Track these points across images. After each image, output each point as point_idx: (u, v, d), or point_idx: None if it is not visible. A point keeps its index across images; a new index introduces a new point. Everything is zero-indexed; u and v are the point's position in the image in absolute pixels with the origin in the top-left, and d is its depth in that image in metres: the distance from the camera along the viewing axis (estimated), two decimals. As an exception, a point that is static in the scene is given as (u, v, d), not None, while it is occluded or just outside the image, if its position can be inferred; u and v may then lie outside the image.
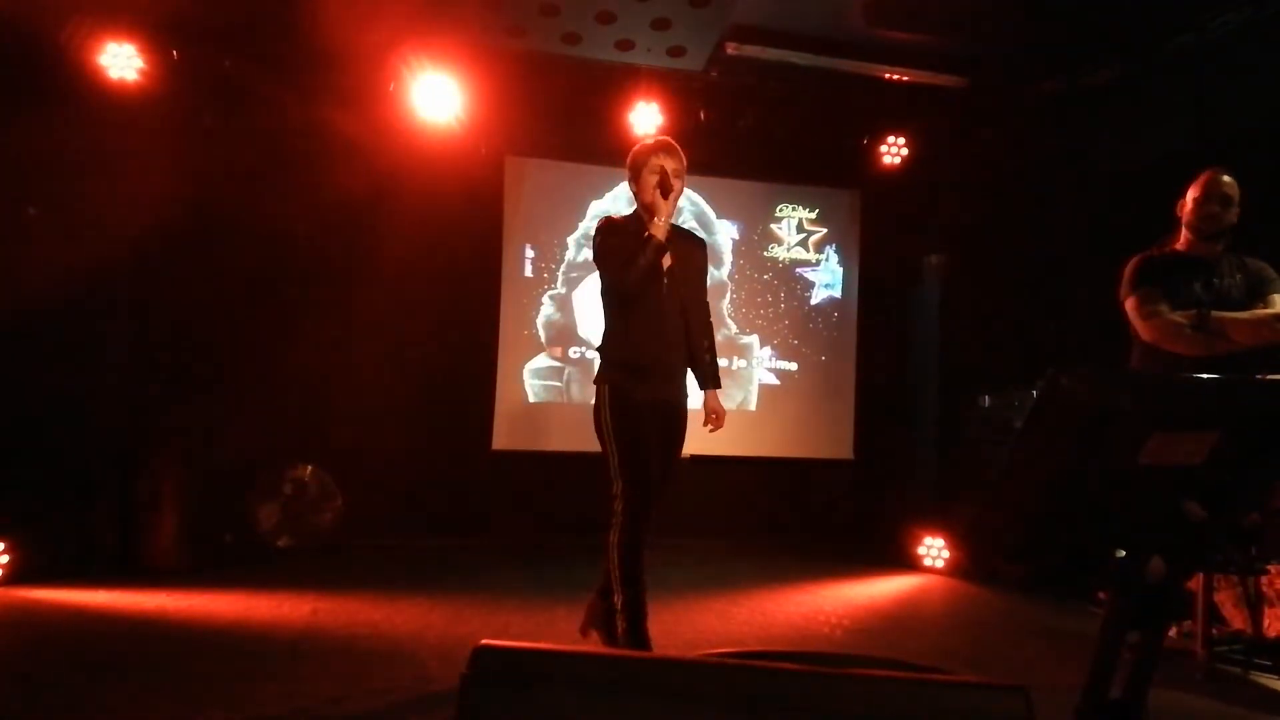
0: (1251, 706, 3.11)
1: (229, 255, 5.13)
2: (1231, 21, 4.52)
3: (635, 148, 3.38)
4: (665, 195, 3.23)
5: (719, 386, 3.49)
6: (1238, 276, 3.36)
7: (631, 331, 3.28)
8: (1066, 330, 5.48)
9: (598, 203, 6.04)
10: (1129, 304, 3.41)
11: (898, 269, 6.35)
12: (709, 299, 3.53)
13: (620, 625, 3.21)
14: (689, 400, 3.38)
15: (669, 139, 3.39)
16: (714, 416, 3.44)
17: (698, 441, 3.56)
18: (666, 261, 3.28)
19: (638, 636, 3.20)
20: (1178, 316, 3.27)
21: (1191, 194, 3.41)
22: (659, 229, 3.22)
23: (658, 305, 3.26)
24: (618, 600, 3.21)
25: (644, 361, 3.25)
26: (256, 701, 2.82)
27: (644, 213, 3.34)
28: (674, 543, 3.30)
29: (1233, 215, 3.37)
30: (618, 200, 6.05)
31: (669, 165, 3.28)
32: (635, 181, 3.36)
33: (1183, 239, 3.46)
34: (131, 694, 2.86)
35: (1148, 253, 3.49)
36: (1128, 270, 3.45)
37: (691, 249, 3.46)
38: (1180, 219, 3.47)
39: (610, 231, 3.33)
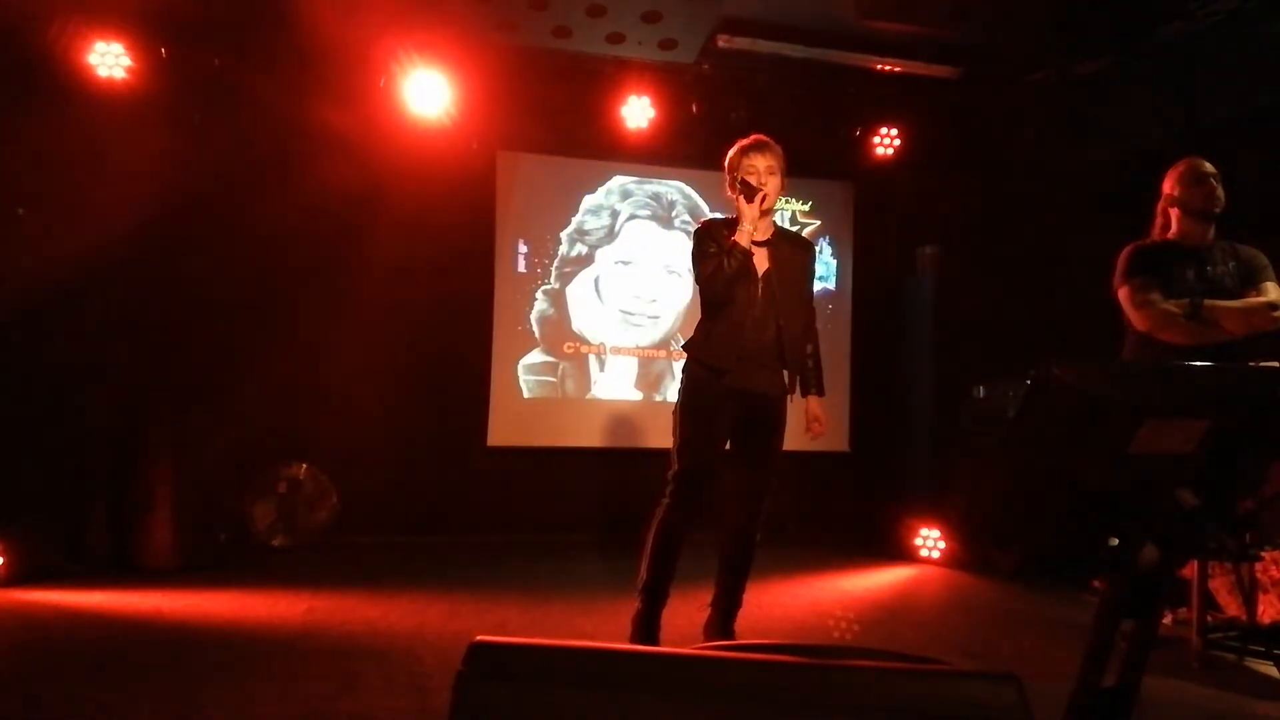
0: (1246, 693, 3.12)
1: (220, 253, 5.10)
2: (1220, 10, 4.52)
3: (730, 150, 3.34)
4: (749, 199, 3.18)
5: (822, 393, 3.52)
6: (1230, 264, 3.37)
7: (716, 331, 3.28)
8: (1060, 320, 5.49)
9: (590, 197, 6.03)
10: (1122, 293, 3.41)
11: (891, 260, 6.35)
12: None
13: (636, 603, 3.30)
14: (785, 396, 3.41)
15: (762, 136, 3.34)
16: (815, 423, 3.48)
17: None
18: (763, 265, 3.27)
19: (652, 620, 3.29)
20: (1171, 305, 3.27)
21: (1185, 182, 3.40)
22: (744, 235, 3.18)
23: (749, 308, 3.24)
24: (641, 579, 3.29)
25: (725, 361, 3.25)
26: (252, 700, 2.82)
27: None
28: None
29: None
30: (610, 195, 6.05)
31: (760, 164, 3.25)
32: (731, 186, 3.32)
33: (1176, 228, 3.46)
34: (127, 694, 2.86)
35: (1140, 242, 3.49)
36: (1120, 260, 3.45)
37: (794, 252, 3.42)
38: (1169, 210, 3.46)
39: (705, 236, 3.31)
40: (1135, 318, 3.36)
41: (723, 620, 3.37)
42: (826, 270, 6.43)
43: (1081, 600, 4.37)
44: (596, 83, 5.52)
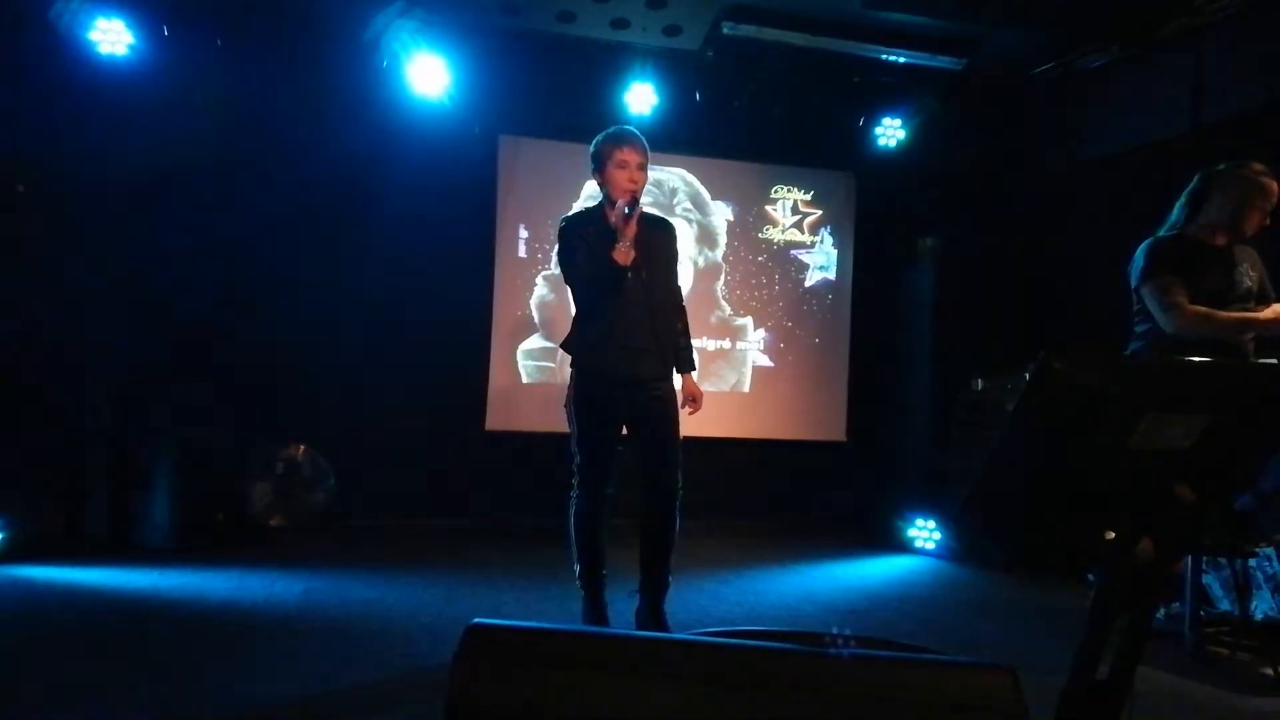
0: (1238, 688, 3.14)
1: (219, 232, 5.09)
2: (1228, 5, 4.50)
3: (598, 138, 3.30)
4: (632, 213, 3.13)
5: (694, 369, 3.56)
6: (1243, 265, 3.34)
7: (597, 321, 3.31)
8: (1059, 313, 5.49)
9: (592, 183, 5.97)
10: (1146, 289, 3.33)
11: (892, 251, 6.34)
12: (684, 281, 3.56)
13: (583, 593, 3.39)
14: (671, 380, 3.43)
15: (631, 128, 3.29)
16: (692, 400, 3.52)
17: (691, 423, 3.56)
18: (633, 255, 3.20)
19: (595, 604, 3.36)
20: (1199, 307, 3.22)
21: (1253, 200, 3.29)
22: (622, 254, 3.12)
23: (624, 295, 3.25)
24: (576, 568, 3.38)
25: (609, 347, 3.29)
26: (248, 680, 2.83)
27: (609, 206, 3.25)
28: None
29: None
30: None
31: (633, 160, 3.22)
32: (600, 173, 3.29)
33: (1210, 230, 3.36)
34: (123, 673, 2.87)
35: (1164, 236, 3.41)
36: (1146, 254, 3.36)
37: (659, 237, 3.40)
38: (1212, 208, 3.36)
39: (572, 237, 3.29)
40: (1163, 320, 3.30)
41: (652, 605, 3.37)
42: (827, 260, 6.42)
43: (1077, 593, 4.39)
44: (600, 68, 5.49)
